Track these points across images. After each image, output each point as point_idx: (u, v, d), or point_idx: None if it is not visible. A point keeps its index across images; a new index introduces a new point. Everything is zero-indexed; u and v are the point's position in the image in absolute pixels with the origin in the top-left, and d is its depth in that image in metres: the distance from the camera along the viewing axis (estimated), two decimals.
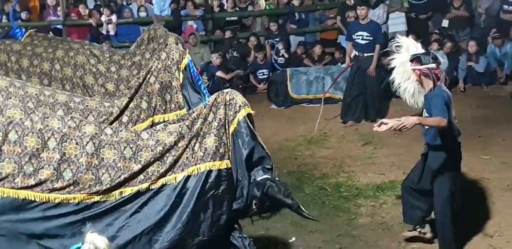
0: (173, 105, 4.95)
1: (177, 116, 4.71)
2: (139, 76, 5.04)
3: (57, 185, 3.67)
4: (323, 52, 11.07)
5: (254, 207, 4.08)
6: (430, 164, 4.95)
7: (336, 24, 11.69)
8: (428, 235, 5.25)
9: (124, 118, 4.85)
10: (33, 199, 3.64)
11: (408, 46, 4.94)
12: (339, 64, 10.48)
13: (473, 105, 9.13)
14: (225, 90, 4.05)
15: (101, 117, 4.74)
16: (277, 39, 11.21)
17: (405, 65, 4.86)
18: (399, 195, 5.33)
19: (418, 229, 5.27)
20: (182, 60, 5.01)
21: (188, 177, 3.84)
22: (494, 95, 9.76)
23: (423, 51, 4.98)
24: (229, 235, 4.07)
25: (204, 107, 3.95)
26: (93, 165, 3.73)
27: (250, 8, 12.43)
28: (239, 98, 3.96)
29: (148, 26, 6.63)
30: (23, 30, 6.37)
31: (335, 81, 9.53)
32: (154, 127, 4.21)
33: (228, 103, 3.93)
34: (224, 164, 3.89)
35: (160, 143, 3.86)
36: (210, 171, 3.85)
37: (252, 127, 3.95)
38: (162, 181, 3.84)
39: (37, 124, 3.68)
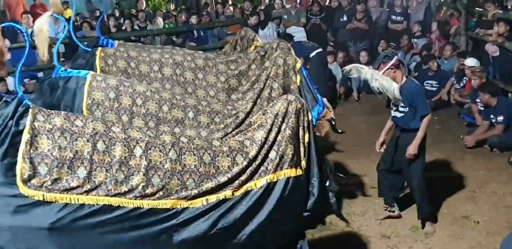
0: None
1: None
2: (259, 80, 5.41)
3: (148, 191, 3.75)
4: None
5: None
6: (406, 143, 5.51)
7: None
8: (396, 212, 5.92)
9: (247, 121, 4.99)
10: (126, 205, 3.70)
11: (357, 66, 5.31)
12: None
13: (367, 113, 9.51)
14: (291, 98, 4.18)
15: (226, 118, 5.06)
16: None
17: (376, 73, 5.21)
18: None
19: (388, 209, 5.89)
20: (296, 64, 5.44)
21: (269, 184, 4.02)
22: (387, 102, 10.19)
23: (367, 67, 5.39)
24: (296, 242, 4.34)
25: (276, 117, 4.12)
26: (177, 170, 3.86)
27: (149, 27, 12.44)
28: (305, 105, 4.21)
29: (241, 29, 7.03)
30: (110, 40, 6.23)
31: None
32: (225, 137, 4.47)
33: (298, 111, 4.15)
34: (299, 171, 4.12)
35: (233, 150, 4.04)
36: (288, 178, 4.06)
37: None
38: (244, 188, 4.00)
39: (121, 134, 3.79)
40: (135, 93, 4.96)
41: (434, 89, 9.77)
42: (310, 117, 4.23)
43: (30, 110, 3.68)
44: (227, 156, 4.02)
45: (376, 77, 5.16)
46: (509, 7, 9.81)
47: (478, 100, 8.08)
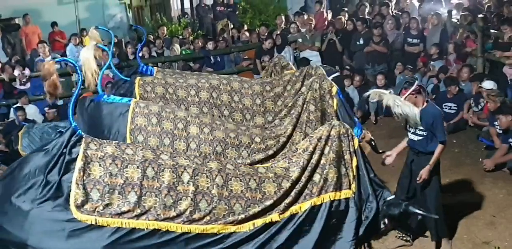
0: None
1: None
2: (295, 105, 5.54)
3: (195, 215, 3.90)
4: None
5: (383, 226, 4.60)
6: (420, 167, 5.49)
7: (251, 65, 11.99)
8: (411, 242, 5.85)
9: (291, 147, 5.20)
10: (175, 230, 3.85)
11: (380, 91, 5.39)
12: None
13: (386, 136, 9.44)
14: (336, 123, 4.31)
15: (267, 139, 5.23)
16: None
17: (398, 99, 5.27)
18: None
19: (404, 238, 5.82)
20: (332, 88, 5.58)
21: (313, 207, 4.12)
22: (405, 124, 10.13)
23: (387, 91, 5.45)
24: None
25: (319, 140, 4.21)
26: (224, 196, 3.99)
27: (166, 53, 12.58)
28: (350, 130, 4.30)
29: (276, 56, 7.33)
30: (149, 66, 6.45)
31: None
32: (270, 164, 4.50)
33: (342, 135, 4.25)
34: (344, 193, 4.21)
35: (279, 176, 4.15)
36: (333, 201, 4.15)
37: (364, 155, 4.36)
38: (289, 211, 4.12)
39: (169, 161, 3.96)
40: (177, 118, 5.11)
41: (453, 111, 9.69)
42: (356, 142, 4.24)
43: (83, 139, 3.92)
44: (273, 181, 4.13)
45: (398, 103, 5.21)
46: None
47: (496, 123, 8.00)
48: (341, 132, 4.24)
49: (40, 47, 11.94)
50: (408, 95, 5.38)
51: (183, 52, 12.58)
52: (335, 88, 5.60)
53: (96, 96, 5.45)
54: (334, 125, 4.27)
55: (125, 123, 5.01)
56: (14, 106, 10.36)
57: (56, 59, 4.30)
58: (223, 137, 5.11)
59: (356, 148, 4.31)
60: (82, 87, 11.04)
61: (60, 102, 11.62)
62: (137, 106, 5.10)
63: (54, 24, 13.99)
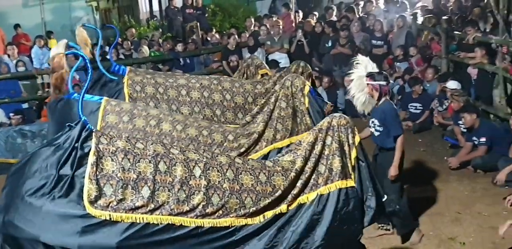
0: (303, 127, 5.47)
1: None
2: (268, 102, 5.58)
3: (208, 210, 3.87)
4: None
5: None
6: (383, 161, 5.70)
7: (221, 67, 12.01)
8: (391, 230, 5.98)
9: (261, 142, 5.34)
10: (188, 225, 3.82)
11: (366, 64, 5.66)
12: None
13: None
14: (337, 114, 4.31)
15: (240, 137, 5.28)
16: None
17: (361, 79, 5.61)
18: None
19: (384, 228, 5.96)
20: (304, 86, 5.57)
21: (321, 196, 4.12)
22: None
23: (377, 69, 5.76)
24: None
25: (319, 131, 4.21)
26: (235, 189, 3.97)
27: (134, 55, 12.51)
28: (351, 122, 4.26)
29: (248, 57, 7.45)
30: (121, 66, 6.33)
31: None
32: (275, 158, 4.47)
33: (345, 126, 4.19)
34: (350, 182, 4.20)
35: (287, 169, 4.16)
36: (340, 190, 4.14)
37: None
38: (297, 201, 4.11)
39: (180, 155, 3.92)
40: (149, 116, 5.09)
41: (418, 111, 9.87)
42: (356, 135, 4.29)
43: (94, 133, 3.83)
44: (282, 175, 4.13)
45: (355, 81, 5.60)
46: (487, 30, 9.99)
47: (460, 122, 8.17)
48: (341, 123, 4.27)
49: (9, 49, 11.81)
50: (368, 83, 5.61)
51: (152, 54, 12.51)
52: (307, 87, 5.63)
53: (67, 95, 5.38)
54: (335, 116, 4.30)
55: (96, 121, 4.94)
56: None
57: (67, 52, 4.22)
58: (196, 135, 5.12)
59: (357, 141, 4.34)
60: (47, 90, 11.00)
61: (25, 105, 11.49)
62: (109, 104, 5.05)
63: (17, 26, 13.77)
